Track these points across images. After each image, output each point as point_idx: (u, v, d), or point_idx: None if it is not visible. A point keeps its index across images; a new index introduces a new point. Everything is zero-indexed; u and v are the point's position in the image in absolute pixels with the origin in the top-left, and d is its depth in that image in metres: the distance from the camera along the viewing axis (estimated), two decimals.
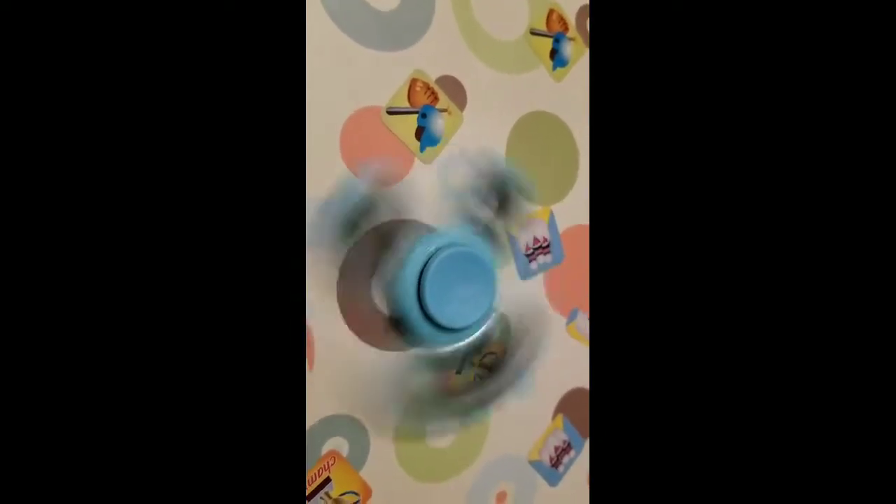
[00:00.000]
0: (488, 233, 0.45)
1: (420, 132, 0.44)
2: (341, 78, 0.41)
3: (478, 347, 0.47)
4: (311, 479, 0.42)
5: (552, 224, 0.51)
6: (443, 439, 0.48)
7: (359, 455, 0.44)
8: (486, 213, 0.45)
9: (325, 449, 0.42)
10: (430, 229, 0.43)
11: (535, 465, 0.53)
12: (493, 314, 0.47)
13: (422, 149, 0.44)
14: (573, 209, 0.52)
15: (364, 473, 0.44)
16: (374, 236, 0.42)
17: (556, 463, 0.54)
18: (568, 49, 0.51)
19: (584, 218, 0.53)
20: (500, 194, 0.46)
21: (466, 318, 0.42)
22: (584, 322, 0.54)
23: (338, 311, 0.42)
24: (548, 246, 0.52)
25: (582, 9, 0.51)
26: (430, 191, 0.43)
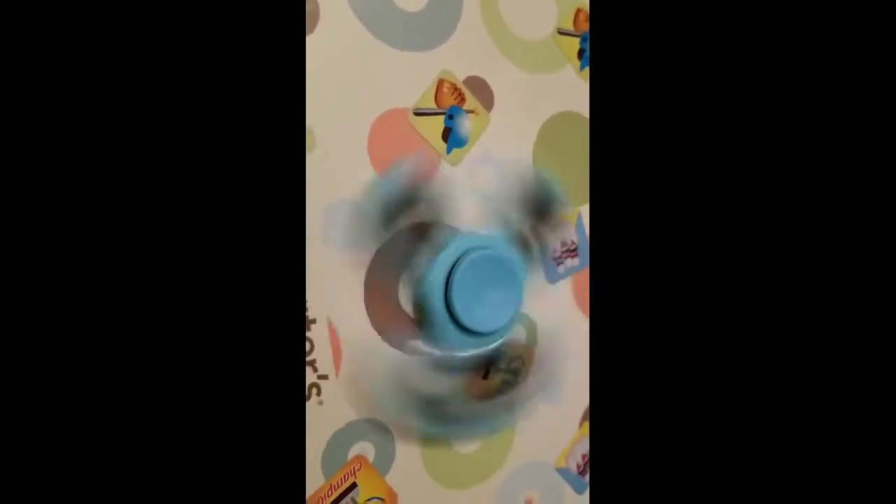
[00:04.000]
0: (523, 243, 0.45)
1: (447, 133, 0.43)
2: (369, 79, 0.40)
3: (505, 352, 0.46)
4: (338, 483, 0.42)
5: (580, 227, 0.51)
6: (469, 445, 0.47)
7: (385, 460, 0.43)
8: (523, 225, 0.44)
9: (351, 453, 0.42)
10: (456, 231, 0.43)
11: (562, 472, 0.52)
12: (521, 318, 0.46)
13: (448, 150, 0.44)
14: None
15: (390, 478, 0.44)
16: (401, 239, 0.42)
17: (582, 471, 0.53)
18: None
19: None
20: (541, 208, 0.45)
21: (494, 323, 0.42)
22: None
23: (365, 314, 0.42)
24: (575, 249, 0.51)
25: None
26: (457, 192, 0.43)
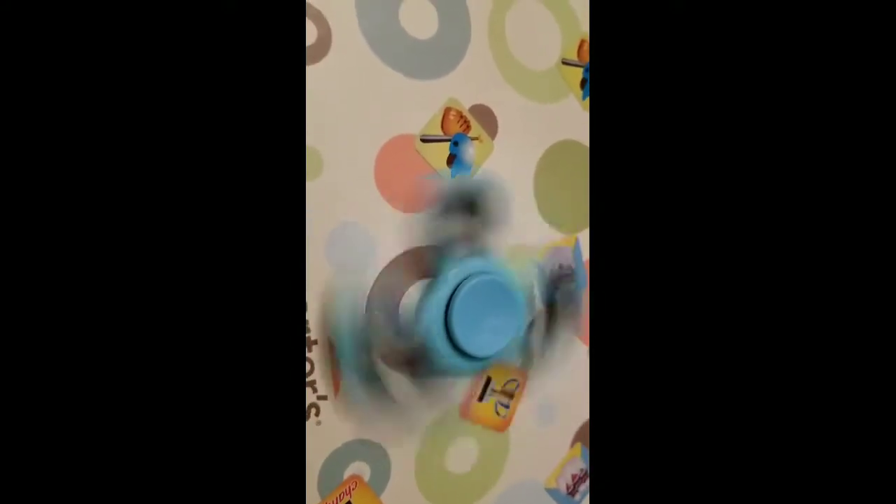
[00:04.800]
0: (475, 245, 0.43)
1: (451, 160, 0.44)
2: (378, 105, 0.41)
3: (500, 374, 0.47)
4: (333, 502, 0.42)
5: (577, 252, 0.52)
6: (463, 464, 0.48)
7: (380, 480, 0.44)
8: (464, 229, 0.42)
9: (347, 473, 0.42)
10: (457, 257, 0.43)
11: (552, 492, 0.53)
12: (517, 341, 0.47)
13: (452, 176, 0.44)
14: None
15: (384, 498, 0.44)
16: (402, 262, 0.42)
17: (572, 491, 0.54)
18: None
19: None
20: (467, 202, 0.43)
21: (493, 347, 0.42)
22: None
23: (364, 335, 0.42)
24: (571, 273, 0.52)
25: None
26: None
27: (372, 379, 0.41)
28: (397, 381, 0.42)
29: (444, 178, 0.44)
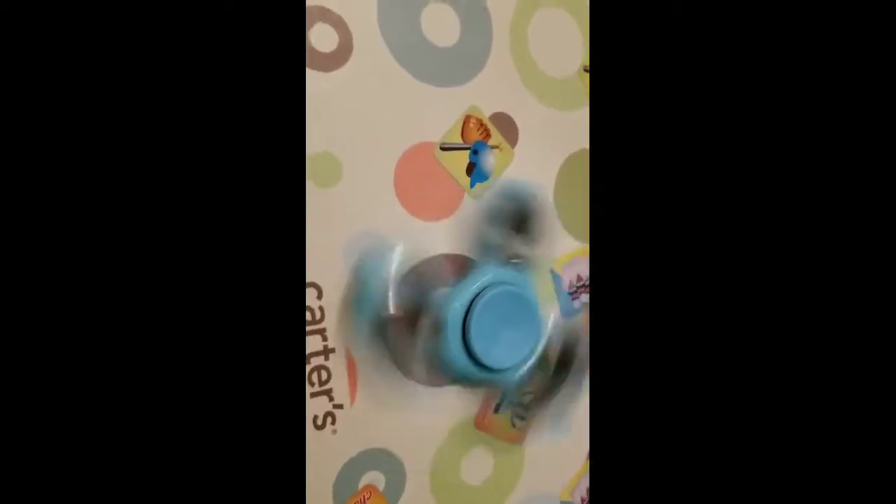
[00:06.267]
0: (514, 259, 0.43)
1: (471, 168, 0.44)
2: (399, 112, 0.41)
3: (518, 386, 0.46)
4: None
5: None
6: (477, 475, 0.47)
7: (395, 489, 0.43)
8: (502, 241, 0.42)
9: (362, 483, 0.42)
10: (476, 266, 0.43)
11: None
12: (535, 352, 0.47)
13: (472, 184, 0.44)
14: None
15: None
16: (421, 272, 0.42)
17: None
18: None
19: None
20: (518, 217, 0.43)
21: (511, 359, 0.42)
22: None
23: (381, 345, 0.42)
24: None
25: None
26: (478, 227, 0.43)
27: (379, 333, 0.40)
28: (403, 346, 0.41)
29: (497, 185, 0.44)
